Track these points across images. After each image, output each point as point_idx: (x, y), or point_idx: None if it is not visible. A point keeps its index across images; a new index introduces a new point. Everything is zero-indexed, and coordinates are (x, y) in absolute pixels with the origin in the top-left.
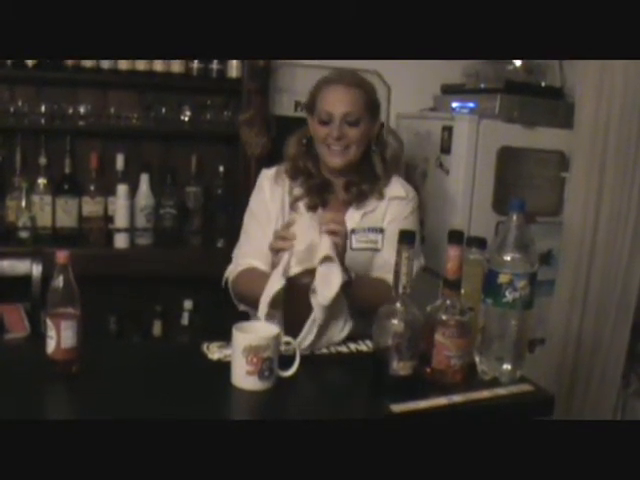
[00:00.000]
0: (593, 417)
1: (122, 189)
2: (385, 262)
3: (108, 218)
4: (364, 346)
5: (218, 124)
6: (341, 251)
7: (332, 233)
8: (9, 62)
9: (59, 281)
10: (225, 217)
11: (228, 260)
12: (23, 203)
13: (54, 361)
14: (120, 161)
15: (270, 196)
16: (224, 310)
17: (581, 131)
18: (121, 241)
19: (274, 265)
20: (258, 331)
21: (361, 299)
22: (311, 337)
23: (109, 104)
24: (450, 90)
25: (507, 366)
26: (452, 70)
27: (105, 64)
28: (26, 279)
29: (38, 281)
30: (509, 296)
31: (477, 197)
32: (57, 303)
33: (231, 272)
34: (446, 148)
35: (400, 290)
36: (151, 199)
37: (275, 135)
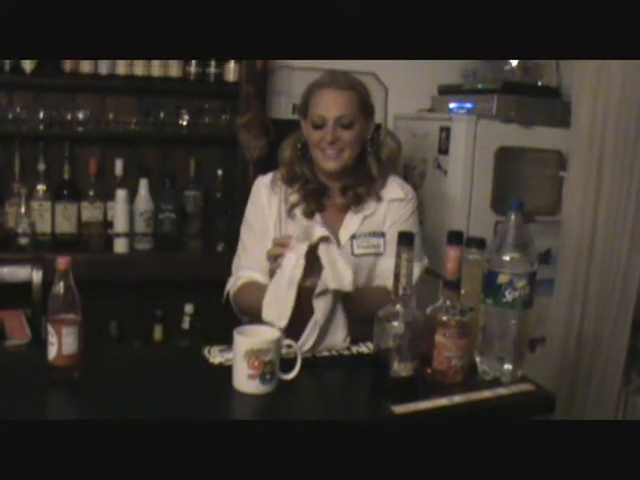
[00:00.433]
0: (594, 415)
1: (121, 194)
2: (387, 268)
3: (107, 223)
4: (365, 348)
5: (216, 128)
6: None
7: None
8: (7, 68)
9: (60, 287)
10: (224, 220)
11: (228, 263)
12: (22, 209)
13: (56, 367)
14: (119, 166)
15: (267, 205)
16: (225, 314)
17: (578, 130)
18: (121, 246)
19: (272, 273)
20: (259, 335)
21: (361, 311)
22: (312, 340)
23: (107, 109)
24: (447, 91)
25: (508, 366)
26: (449, 71)
27: (103, 69)
28: (26, 285)
29: (39, 287)
30: (509, 296)
31: (475, 197)
32: (58, 309)
33: (232, 286)
34: (444, 149)
35: (400, 292)
36: (150, 204)
37: (273, 138)
